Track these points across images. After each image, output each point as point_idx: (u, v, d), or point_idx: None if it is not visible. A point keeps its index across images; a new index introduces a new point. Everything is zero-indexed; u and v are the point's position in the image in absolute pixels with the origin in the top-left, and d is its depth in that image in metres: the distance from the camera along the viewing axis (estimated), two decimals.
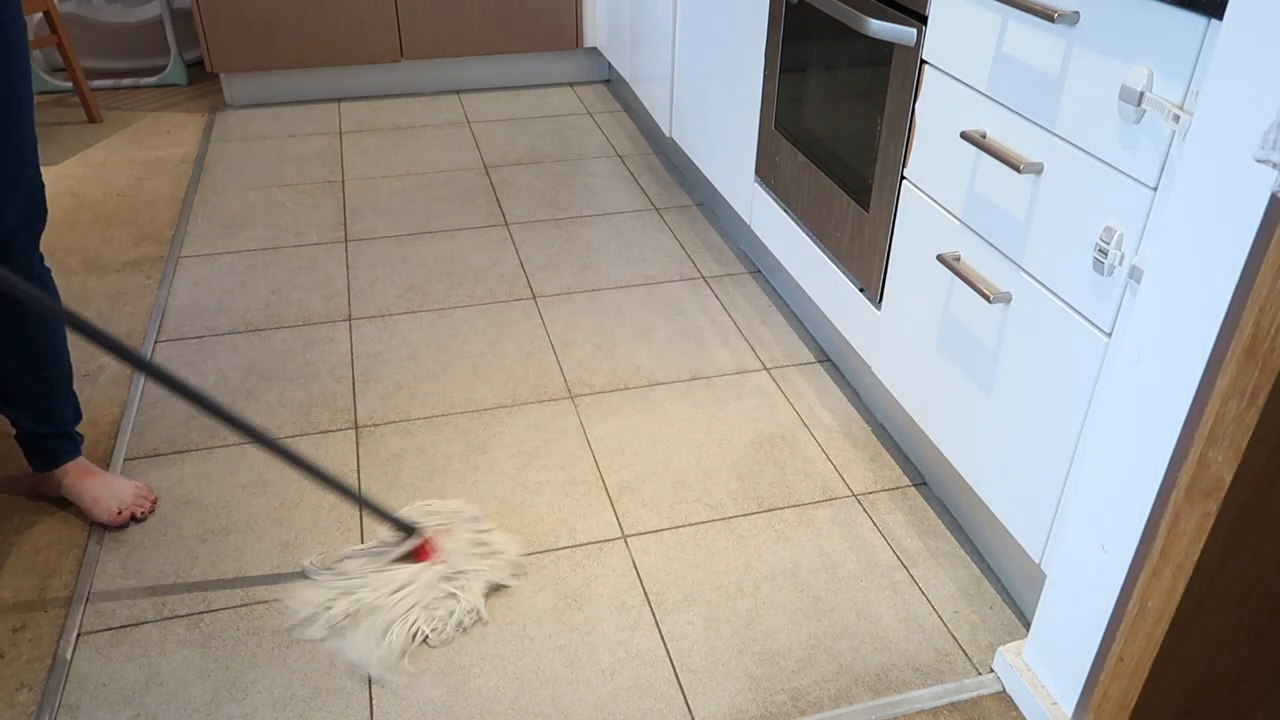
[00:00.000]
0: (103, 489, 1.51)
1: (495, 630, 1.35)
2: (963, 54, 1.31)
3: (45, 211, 1.36)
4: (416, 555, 1.43)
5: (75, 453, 1.52)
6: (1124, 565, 1.05)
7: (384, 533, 1.48)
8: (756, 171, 2.07)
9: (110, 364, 1.90)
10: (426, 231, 2.41)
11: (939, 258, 1.38)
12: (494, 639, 1.34)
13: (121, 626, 1.36)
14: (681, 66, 2.47)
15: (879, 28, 1.44)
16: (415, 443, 1.70)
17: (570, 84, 3.45)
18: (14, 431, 1.50)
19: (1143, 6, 0.99)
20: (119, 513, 1.50)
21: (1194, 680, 1.06)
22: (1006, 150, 1.23)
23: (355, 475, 1.63)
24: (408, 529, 1.43)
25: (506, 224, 2.46)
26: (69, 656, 1.31)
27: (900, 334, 1.55)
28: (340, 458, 1.66)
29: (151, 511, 1.54)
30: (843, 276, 1.74)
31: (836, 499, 1.60)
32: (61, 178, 2.69)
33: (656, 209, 2.55)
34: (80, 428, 1.55)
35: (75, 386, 1.83)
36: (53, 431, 1.50)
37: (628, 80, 3.01)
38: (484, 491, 1.60)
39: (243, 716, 1.24)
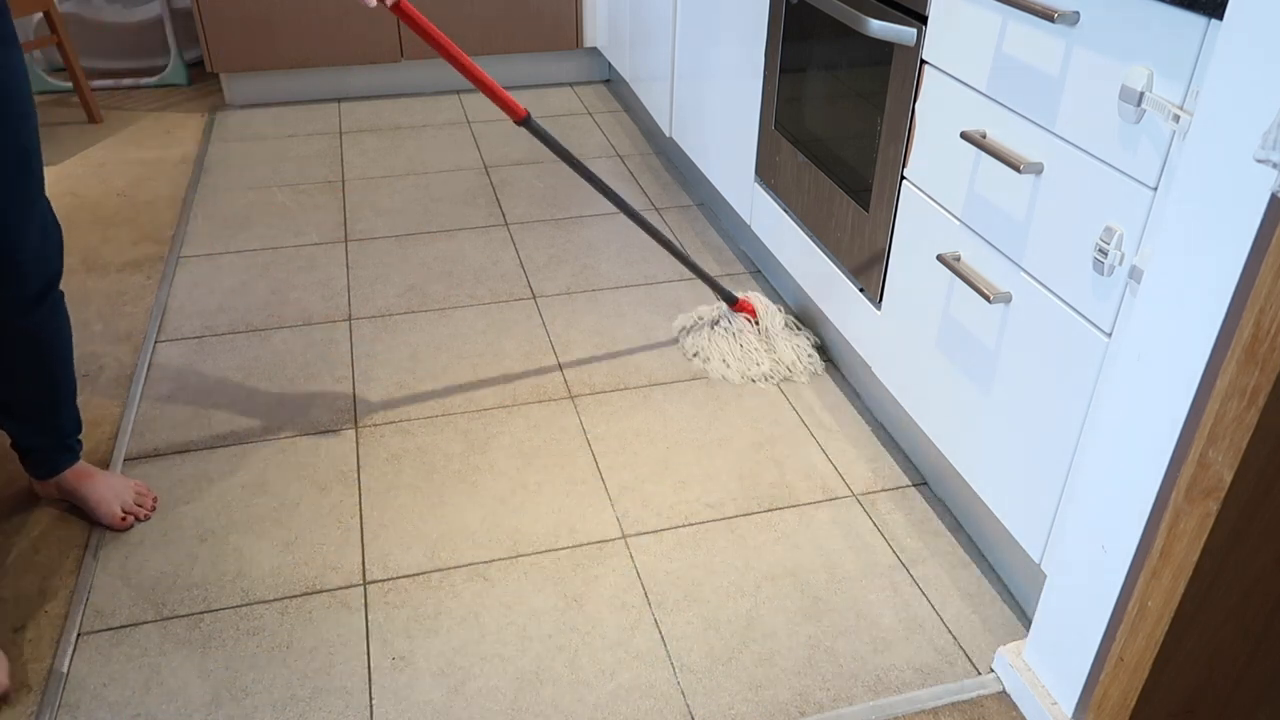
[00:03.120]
0: (105, 490, 1.50)
1: (495, 630, 1.36)
2: (963, 54, 1.31)
3: (61, 246, 1.34)
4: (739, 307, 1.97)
5: (74, 460, 1.52)
6: (1124, 565, 1.05)
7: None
8: (756, 171, 2.07)
9: (110, 364, 1.90)
10: (426, 231, 2.41)
11: (939, 258, 1.38)
12: (494, 639, 1.34)
13: (121, 626, 1.36)
14: (681, 66, 2.47)
15: (879, 28, 1.44)
16: (415, 443, 1.70)
17: (570, 84, 3.45)
18: (11, 441, 1.48)
19: (1143, 6, 0.99)
20: (123, 518, 1.50)
21: (1194, 680, 1.06)
22: (1006, 150, 1.23)
23: (355, 475, 1.63)
24: (729, 296, 1.96)
25: (506, 224, 2.46)
26: (69, 656, 1.31)
27: (900, 334, 1.55)
28: (340, 457, 1.66)
29: (153, 510, 1.54)
30: (843, 276, 1.74)
31: (836, 499, 1.60)
32: (61, 178, 2.69)
33: (656, 209, 2.55)
34: (80, 427, 1.55)
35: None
36: (53, 445, 1.49)
37: (628, 80, 3.01)
38: (484, 491, 1.60)
39: (243, 716, 1.24)
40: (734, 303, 1.96)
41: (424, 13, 3.14)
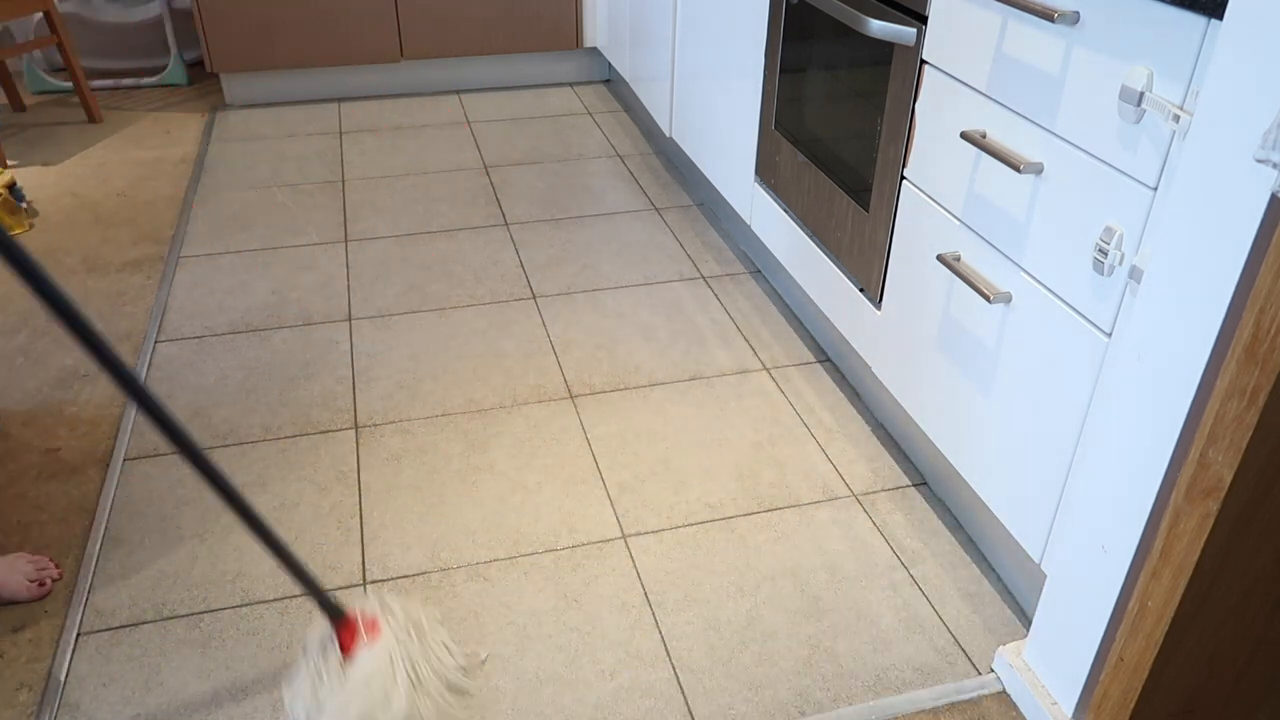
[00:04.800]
0: (8, 573, 1.39)
1: (495, 630, 1.36)
2: (963, 54, 1.31)
3: None
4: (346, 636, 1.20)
5: None
6: (1124, 565, 1.05)
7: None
8: (756, 171, 2.07)
9: None
10: (426, 231, 2.41)
11: (939, 258, 1.38)
12: (494, 639, 1.34)
13: (121, 626, 1.36)
14: (681, 66, 2.47)
15: (879, 28, 1.44)
16: (415, 443, 1.70)
17: (570, 84, 3.45)
18: None
19: (1143, 6, 0.99)
20: (40, 584, 1.39)
21: (1194, 680, 1.06)
22: (1006, 150, 1.23)
23: (355, 475, 1.63)
24: (333, 610, 1.21)
25: (506, 224, 2.46)
26: (69, 656, 1.31)
27: (900, 334, 1.55)
28: (340, 458, 1.66)
29: (60, 572, 1.44)
30: (843, 276, 1.74)
31: (836, 499, 1.60)
32: (61, 178, 2.69)
33: (656, 209, 2.55)
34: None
35: (75, 387, 1.83)
36: None
37: (628, 80, 3.01)
38: (484, 491, 1.60)
39: (243, 716, 1.24)
40: (339, 618, 1.21)
41: (424, 12, 3.14)
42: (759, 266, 2.28)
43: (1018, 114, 1.21)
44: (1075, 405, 1.17)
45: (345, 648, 1.19)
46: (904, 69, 1.45)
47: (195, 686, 1.27)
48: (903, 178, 1.50)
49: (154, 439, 1.70)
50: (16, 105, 3.15)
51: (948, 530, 1.54)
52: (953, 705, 1.26)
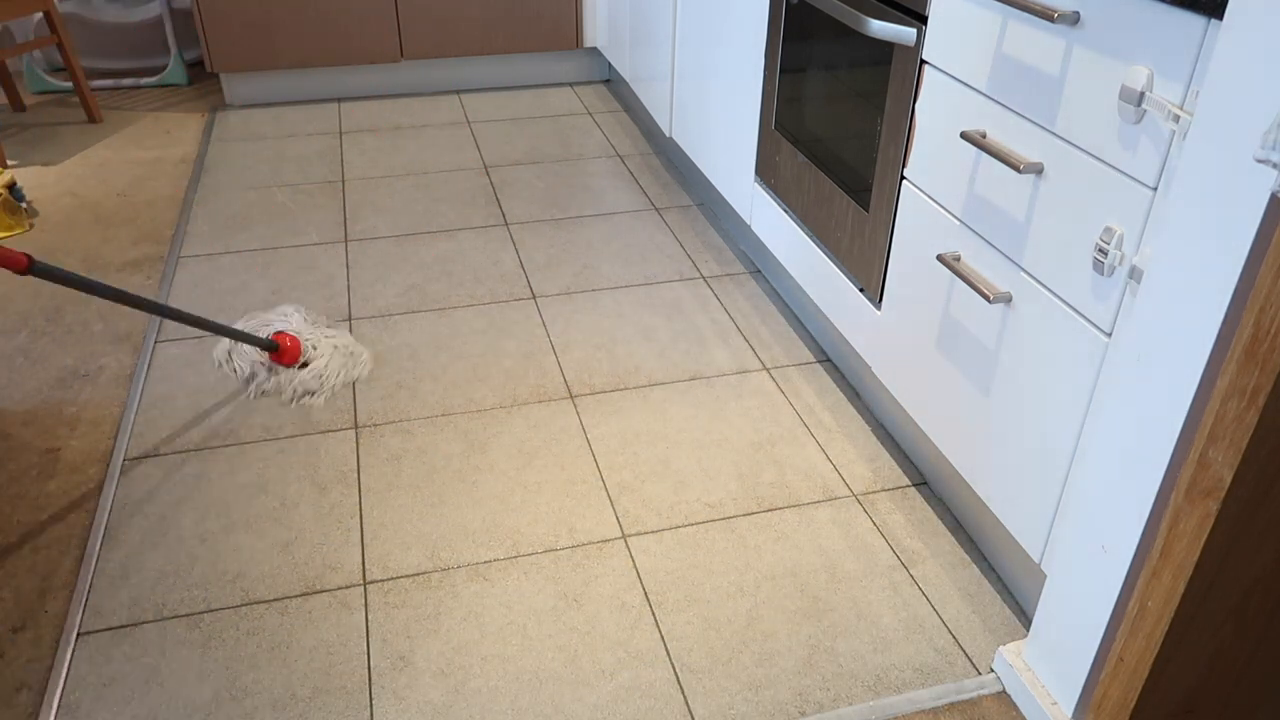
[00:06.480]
0: None
1: (495, 630, 1.36)
2: (963, 54, 1.31)
3: None
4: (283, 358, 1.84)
5: None
6: (1124, 565, 1.05)
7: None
8: (756, 171, 2.07)
9: (110, 364, 1.90)
10: (426, 231, 2.41)
11: (939, 258, 1.38)
12: (494, 639, 1.34)
13: (121, 626, 1.36)
14: (681, 66, 2.47)
15: (879, 28, 1.44)
16: (415, 443, 1.70)
17: (570, 84, 3.45)
18: None
19: (1143, 6, 0.99)
20: None
21: (1194, 680, 1.06)
22: (1006, 150, 1.23)
23: (355, 475, 1.63)
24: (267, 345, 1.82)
25: (506, 224, 2.46)
26: (69, 656, 1.31)
27: (900, 334, 1.55)
28: (340, 458, 1.66)
29: None
30: (843, 276, 1.74)
31: (836, 499, 1.60)
32: (61, 178, 2.69)
33: (656, 209, 2.55)
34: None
35: (75, 387, 1.83)
36: None
37: (628, 80, 3.01)
38: (484, 491, 1.60)
39: (243, 716, 1.24)
40: (275, 350, 1.83)
41: (424, 12, 3.14)
42: (759, 266, 2.28)
43: (1018, 114, 1.21)
44: (1075, 405, 1.17)
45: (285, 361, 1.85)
46: (904, 69, 1.46)
47: (195, 686, 1.27)
48: (903, 178, 1.50)
49: (154, 439, 1.70)
50: (16, 105, 3.15)
51: (948, 530, 1.54)
52: (953, 705, 1.26)
